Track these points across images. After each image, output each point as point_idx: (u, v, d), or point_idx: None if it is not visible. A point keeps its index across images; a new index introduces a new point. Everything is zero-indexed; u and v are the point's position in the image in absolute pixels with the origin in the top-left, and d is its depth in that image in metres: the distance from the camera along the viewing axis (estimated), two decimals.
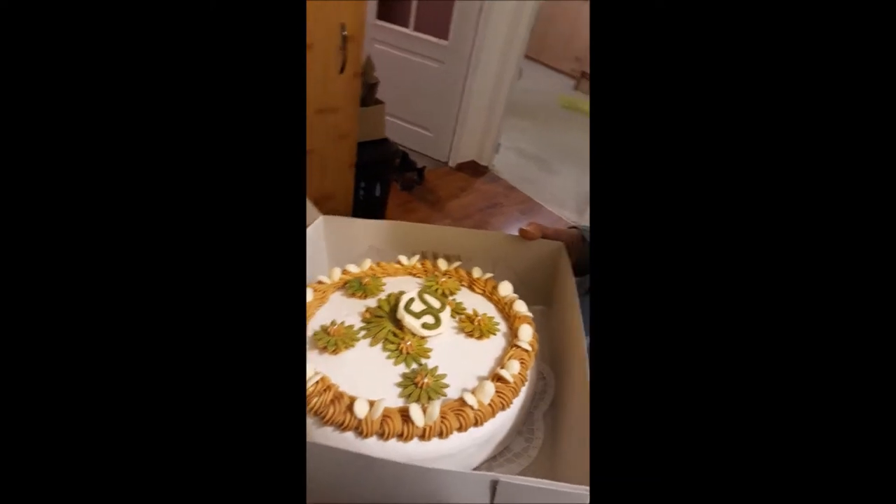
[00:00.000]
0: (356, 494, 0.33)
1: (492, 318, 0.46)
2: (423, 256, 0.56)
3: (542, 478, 0.29)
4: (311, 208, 0.55)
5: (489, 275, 0.52)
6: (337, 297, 0.49)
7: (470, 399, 0.37)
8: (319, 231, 0.57)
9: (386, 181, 1.96)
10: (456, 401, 0.37)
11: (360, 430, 0.34)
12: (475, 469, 0.38)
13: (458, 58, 2.40)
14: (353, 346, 0.42)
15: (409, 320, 0.43)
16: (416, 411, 0.35)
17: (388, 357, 0.41)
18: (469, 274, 0.53)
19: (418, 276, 0.53)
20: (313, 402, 0.36)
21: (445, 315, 0.45)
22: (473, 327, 0.44)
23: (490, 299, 0.50)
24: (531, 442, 0.41)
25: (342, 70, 1.41)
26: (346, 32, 1.35)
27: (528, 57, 2.74)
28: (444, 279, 0.51)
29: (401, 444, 0.34)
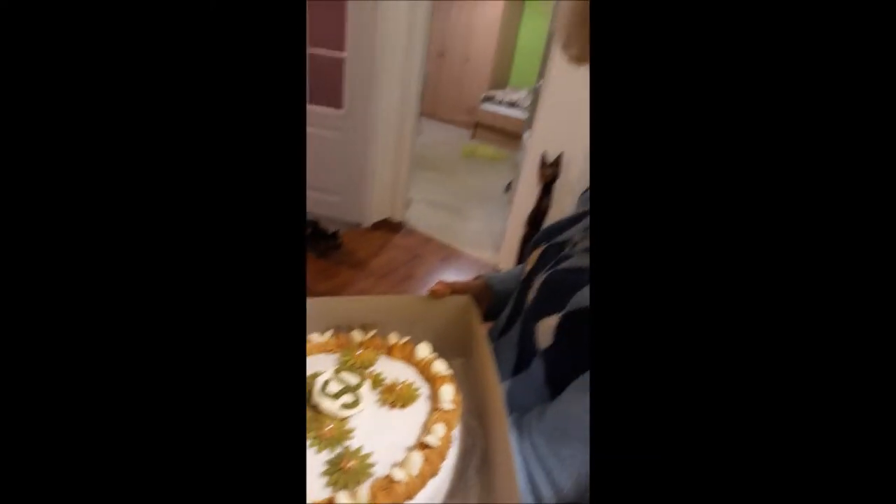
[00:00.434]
0: None
1: (412, 383, 0.46)
2: (337, 330, 0.55)
3: None
4: None
5: (406, 338, 0.52)
6: None
7: (398, 474, 0.36)
8: None
9: None
10: (384, 478, 0.36)
11: None
12: None
13: (355, 123, 2.48)
14: None
15: (326, 404, 0.41)
16: (343, 499, 0.33)
17: (310, 446, 0.39)
18: (386, 341, 0.52)
19: (333, 352, 0.52)
20: None
21: (365, 390, 0.44)
22: (395, 397, 0.44)
23: (409, 363, 0.50)
24: (466, 500, 0.41)
25: None
26: None
27: (423, 114, 2.89)
28: (360, 351, 0.50)
29: None
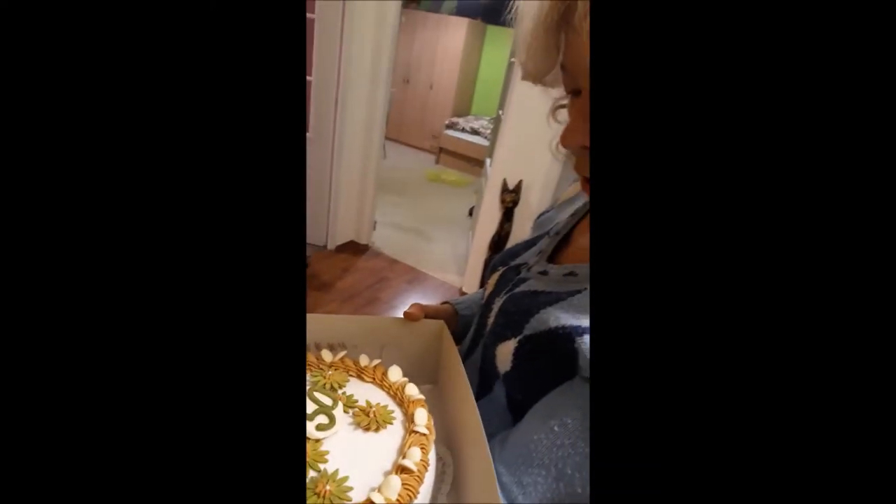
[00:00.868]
0: None
1: (385, 406, 0.46)
2: (306, 349, 0.55)
3: None
4: None
5: (377, 361, 0.53)
6: None
7: (377, 499, 0.36)
8: None
9: None
10: (363, 503, 0.36)
11: None
12: None
13: (321, 147, 2.48)
14: None
15: None
16: None
17: None
18: (356, 363, 0.52)
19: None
20: None
21: (339, 412, 0.44)
22: (370, 420, 0.44)
23: (381, 387, 0.50)
24: None
25: None
26: None
27: (389, 138, 2.92)
28: (330, 372, 0.50)
29: None
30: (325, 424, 0.42)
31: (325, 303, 2.28)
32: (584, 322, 0.38)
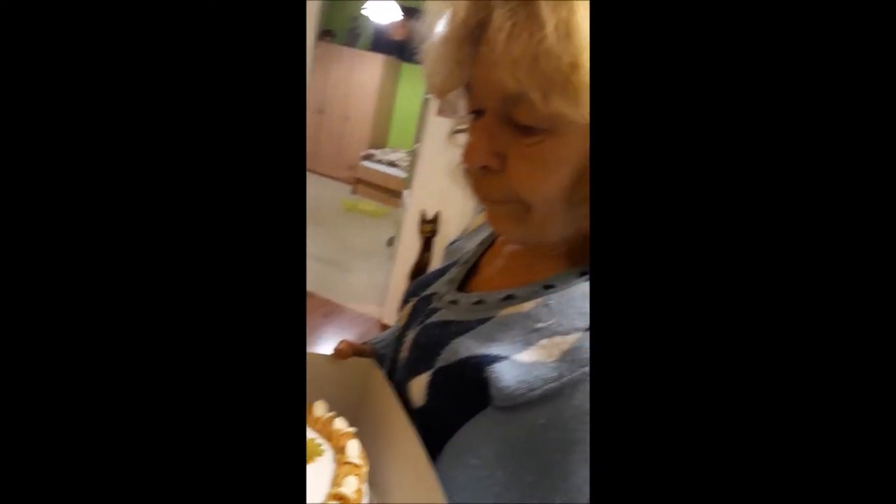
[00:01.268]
0: None
1: (313, 439, 0.45)
2: None
3: None
4: None
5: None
6: None
7: None
8: None
9: None
10: None
11: None
12: None
13: None
14: None
15: None
16: None
17: None
18: None
19: None
20: None
21: None
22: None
23: (307, 422, 0.49)
24: None
25: None
26: None
27: None
28: None
29: None
30: None
31: None
32: (494, 350, 0.37)
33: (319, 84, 4.91)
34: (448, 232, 2.36)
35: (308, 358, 0.55)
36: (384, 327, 2.53)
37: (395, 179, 4.71)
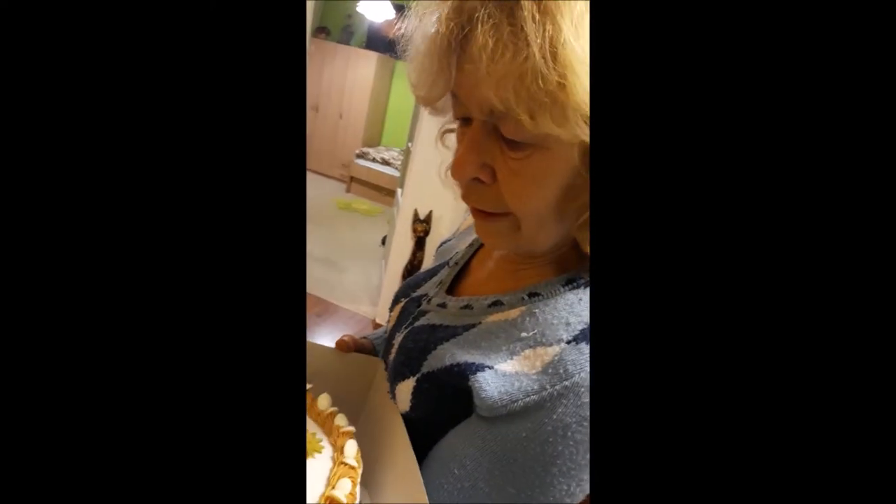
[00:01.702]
0: None
1: (314, 433, 0.46)
2: None
3: None
4: None
5: (308, 386, 0.51)
6: None
7: None
8: None
9: None
10: None
11: None
12: None
13: None
14: None
15: None
16: None
17: None
18: None
19: None
20: None
21: None
22: None
23: (309, 414, 0.50)
24: None
25: None
26: None
27: None
28: None
29: None
30: None
31: None
32: (479, 359, 0.37)
33: (314, 81, 4.89)
34: (440, 231, 2.37)
35: (316, 350, 0.55)
36: (377, 327, 2.53)
37: (388, 178, 4.71)
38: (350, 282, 2.99)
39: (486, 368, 0.36)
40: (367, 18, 4.34)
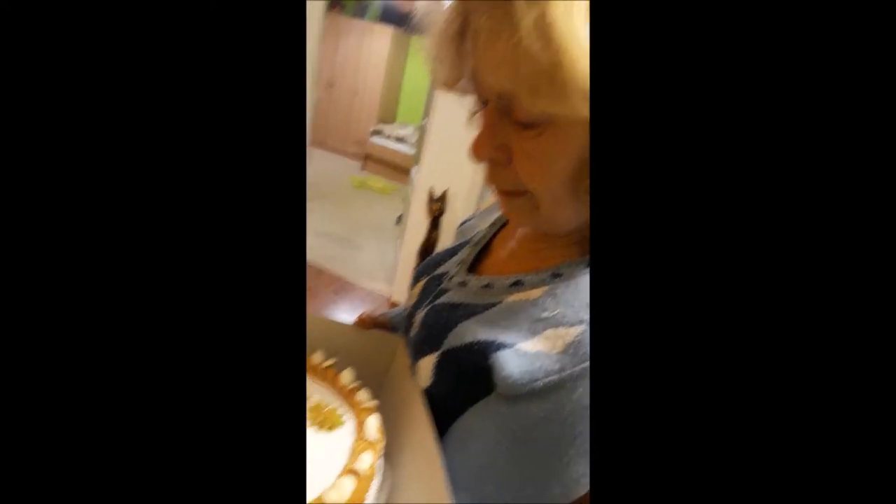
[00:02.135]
0: None
1: (336, 408, 0.47)
2: None
3: None
4: None
5: (331, 360, 0.52)
6: None
7: (333, 496, 0.37)
8: None
9: None
10: (315, 500, 0.37)
11: None
12: None
13: None
14: None
15: None
16: None
17: None
18: (308, 359, 0.52)
19: None
20: None
21: None
22: (322, 418, 0.45)
23: (332, 387, 0.51)
24: None
25: None
26: None
27: (313, 143, 2.85)
28: None
29: None
30: None
31: None
32: (499, 337, 0.37)
33: (329, 57, 4.84)
34: (456, 210, 2.36)
35: (336, 327, 0.56)
36: (393, 305, 2.56)
37: (403, 156, 4.69)
38: (366, 260, 3.01)
39: (506, 347, 0.36)
40: None
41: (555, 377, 0.33)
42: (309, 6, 2.30)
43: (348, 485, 0.38)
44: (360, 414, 0.47)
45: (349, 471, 0.40)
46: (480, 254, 0.52)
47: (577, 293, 0.37)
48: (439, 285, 0.50)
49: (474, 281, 0.46)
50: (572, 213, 0.38)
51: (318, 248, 2.95)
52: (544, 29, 0.28)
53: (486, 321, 0.40)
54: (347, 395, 0.49)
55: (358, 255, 3.05)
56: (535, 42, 0.28)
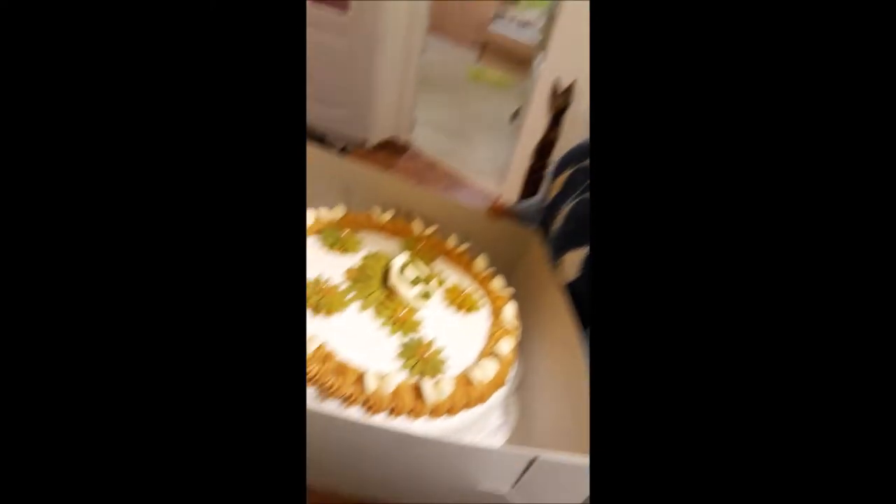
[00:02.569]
0: (369, 473, 0.30)
1: (471, 293, 0.47)
2: (398, 214, 0.53)
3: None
4: None
5: (465, 245, 0.52)
6: (313, 247, 0.46)
7: (478, 375, 0.37)
8: None
9: None
10: (460, 377, 0.37)
11: (369, 404, 0.33)
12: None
13: (362, 30, 2.32)
14: (343, 309, 0.39)
15: (403, 290, 0.42)
16: (428, 387, 0.35)
17: (383, 325, 0.40)
18: (443, 243, 0.52)
19: (391, 236, 0.51)
20: (313, 369, 0.33)
21: (433, 286, 0.45)
22: (461, 301, 0.45)
23: (467, 272, 0.50)
24: (508, 417, 0.41)
25: None
26: None
27: (430, 29, 2.71)
28: (419, 245, 0.50)
29: (406, 420, 0.34)
30: (424, 294, 0.43)
31: None
32: None
33: None
34: (581, 106, 2.15)
35: (469, 212, 0.55)
36: None
37: (524, 46, 4.32)
38: (478, 156, 2.95)
39: None
40: None
41: None
42: None
43: (491, 367, 0.38)
44: (496, 301, 0.46)
45: (491, 353, 0.40)
46: None
47: None
48: (587, 178, 0.48)
49: None
50: None
51: (433, 140, 2.93)
52: None
53: None
54: (483, 282, 0.49)
55: (469, 151, 2.99)
56: None
